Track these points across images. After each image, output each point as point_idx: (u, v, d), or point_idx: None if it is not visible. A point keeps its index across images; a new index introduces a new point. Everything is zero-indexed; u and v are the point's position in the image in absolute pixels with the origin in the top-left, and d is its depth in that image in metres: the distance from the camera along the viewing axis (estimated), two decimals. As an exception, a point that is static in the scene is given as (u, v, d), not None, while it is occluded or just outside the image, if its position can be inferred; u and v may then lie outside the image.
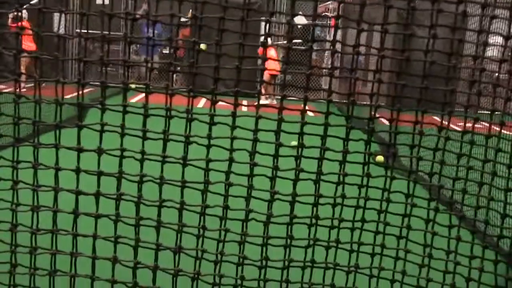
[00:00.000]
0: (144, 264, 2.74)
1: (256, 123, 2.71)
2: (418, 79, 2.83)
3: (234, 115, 2.70)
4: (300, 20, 13.36)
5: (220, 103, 2.72)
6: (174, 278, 2.76)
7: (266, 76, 12.87)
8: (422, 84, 2.80)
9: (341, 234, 2.89)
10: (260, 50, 2.83)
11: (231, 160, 2.74)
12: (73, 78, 2.83)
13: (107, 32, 2.65)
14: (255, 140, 2.72)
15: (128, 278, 2.75)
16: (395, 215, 2.87)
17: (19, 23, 2.74)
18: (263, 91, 13.12)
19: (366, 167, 2.84)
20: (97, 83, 2.70)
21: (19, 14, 2.77)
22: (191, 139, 2.70)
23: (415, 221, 2.87)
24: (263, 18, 2.89)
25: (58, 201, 2.75)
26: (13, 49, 2.64)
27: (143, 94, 2.71)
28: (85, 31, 2.67)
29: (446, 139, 2.85)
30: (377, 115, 2.83)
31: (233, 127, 2.71)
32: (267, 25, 2.72)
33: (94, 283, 2.78)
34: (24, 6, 2.68)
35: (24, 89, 2.93)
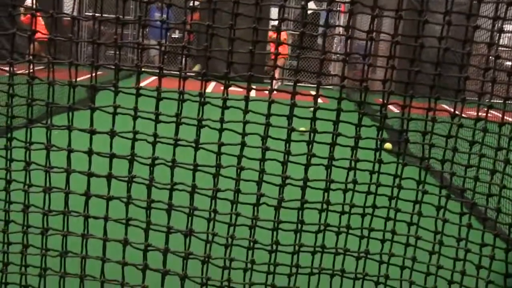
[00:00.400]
0: (155, 246, 2.75)
1: (269, 108, 2.70)
2: (431, 65, 2.83)
3: (247, 99, 2.70)
4: (310, 5, 13.32)
5: (231, 88, 2.73)
6: (185, 261, 2.77)
7: (280, 60, 12.84)
8: (435, 71, 2.80)
9: (352, 220, 2.89)
10: (271, 34, 2.82)
11: (243, 144, 2.74)
12: (83, 62, 2.85)
13: (121, 16, 2.66)
14: (267, 125, 2.72)
15: (138, 260, 2.76)
16: (406, 202, 2.87)
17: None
18: (276, 75, 13.10)
19: (377, 153, 2.84)
20: (110, 65, 2.70)
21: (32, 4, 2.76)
22: (204, 122, 2.70)
23: (426, 208, 2.87)
24: (275, 3, 2.88)
25: (70, 183, 2.76)
26: (26, 31, 2.65)
27: (153, 78, 2.71)
28: (98, 14, 2.67)
29: (458, 126, 2.84)
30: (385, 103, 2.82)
31: (246, 112, 2.71)
32: (281, 10, 2.71)
33: (105, 264, 2.79)
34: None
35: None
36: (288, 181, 2.78)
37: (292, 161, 2.76)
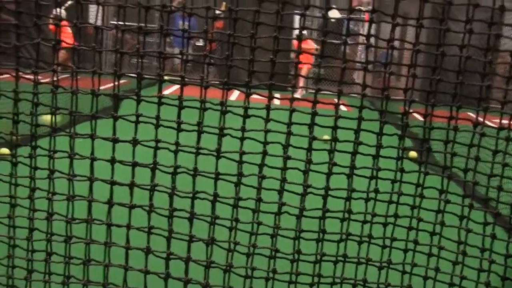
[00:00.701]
0: (177, 255, 2.76)
1: (290, 116, 2.71)
2: (453, 74, 2.82)
3: (268, 108, 2.71)
4: (333, 14, 13.31)
5: (253, 96, 2.74)
6: (207, 270, 2.78)
7: (304, 69, 12.83)
8: (457, 79, 2.78)
9: (374, 229, 2.87)
10: (295, 43, 2.82)
11: (264, 153, 2.74)
12: (107, 70, 2.88)
13: (143, 24, 2.68)
14: (289, 133, 2.72)
15: (161, 269, 2.77)
16: (429, 211, 2.85)
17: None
18: (301, 84, 13.09)
19: (399, 162, 2.83)
20: (132, 74, 2.72)
21: (58, 13, 2.81)
22: (225, 131, 2.71)
23: (449, 218, 2.85)
24: (297, 11, 2.89)
25: (93, 191, 2.78)
26: (51, 40, 2.69)
27: (176, 86, 2.73)
28: (121, 23, 2.71)
29: (481, 135, 2.81)
30: (410, 110, 2.81)
31: (267, 120, 2.71)
32: (302, 18, 2.72)
33: (127, 273, 2.80)
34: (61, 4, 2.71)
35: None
36: (309, 190, 2.77)
37: (314, 170, 2.75)
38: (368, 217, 2.85)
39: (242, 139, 2.72)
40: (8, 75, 2.78)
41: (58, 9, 2.85)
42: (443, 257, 2.89)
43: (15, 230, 2.86)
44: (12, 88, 2.74)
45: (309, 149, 2.75)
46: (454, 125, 2.80)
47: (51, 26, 2.79)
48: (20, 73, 2.76)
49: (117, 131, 2.72)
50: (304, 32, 2.79)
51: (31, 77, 2.76)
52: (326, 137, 2.74)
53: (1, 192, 2.79)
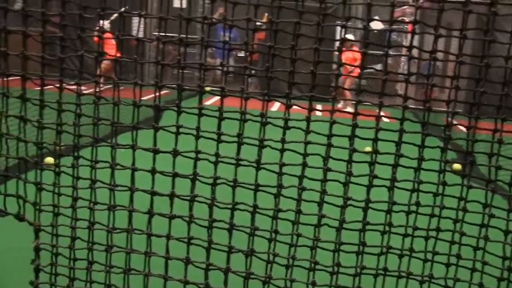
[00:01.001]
0: (216, 265, 2.77)
1: (330, 128, 2.69)
2: (498, 86, 2.76)
3: (308, 119, 2.69)
4: (376, 25, 13.19)
5: (294, 107, 2.73)
6: (246, 281, 2.77)
7: (348, 81, 12.73)
8: (502, 91, 2.73)
9: (415, 243, 2.83)
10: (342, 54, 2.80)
11: (304, 165, 2.73)
12: (150, 81, 2.91)
13: (184, 36, 2.70)
14: (329, 145, 2.70)
15: (200, 279, 2.78)
16: (472, 225, 2.79)
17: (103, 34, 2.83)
18: (348, 95, 12.97)
19: (441, 175, 2.78)
20: (173, 85, 2.74)
21: (103, 25, 2.85)
22: (265, 143, 2.71)
23: (493, 232, 2.78)
24: (339, 22, 2.87)
25: (133, 201, 2.81)
26: (94, 52, 2.73)
27: (218, 97, 2.74)
28: (163, 34, 2.73)
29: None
30: (454, 122, 2.76)
31: (307, 132, 2.70)
32: (343, 30, 2.70)
33: (167, 283, 2.82)
34: (105, 16, 2.75)
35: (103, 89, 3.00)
36: (349, 202, 2.75)
37: (354, 182, 2.73)
38: (409, 231, 2.81)
39: (282, 150, 2.71)
40: (51, 86, 2.83)
41: (103, 22, 2.90)
42: (487, 272, 2.83)
43: (57, 238, 2.90)
44: (56, 99, 2.79)
45: (350, 161, 2.73)
46: (498, 137, 2.74)
47: (96, 38, 2.83)
48: (64, 84, 2.81)
49: (158, 142, 2.74)
50: (351, 37, 2.76)
51: (73, 87, 2.81)
52: (368, 149, 2.72)
53: (45, 201, 2.83)
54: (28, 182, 2.82)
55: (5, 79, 2.78)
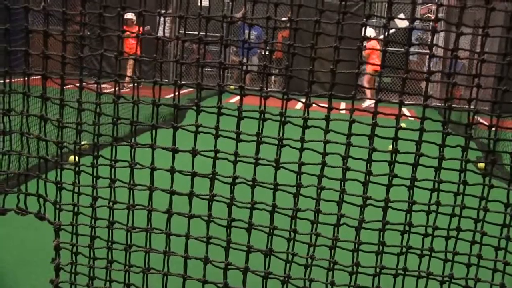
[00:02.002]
0: (235, 265, 2.76)
1: (350, 127, 2.67)
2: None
3: (327, 118, 2.68)
4: (400, 23, 13.06)
5: (314, 105, 2.72)
6: (264, 280, 2.77)
7: (366, 78, 12.62)
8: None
9: (435, 243, 2.81)
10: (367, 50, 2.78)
11: (323, 164, 2.72)
12: (174, 78, 2.92)
13: (203, 34, 2.70)
14: (348, 145, 2.68)
15: (219, 279, 2.78)
16: (493, 225, 2.76)
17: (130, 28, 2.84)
18: (369, 95, 12.88)
19: (462, 175, 2.75)
20: (191, 84, 2.74)
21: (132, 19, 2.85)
22: (284, 142, 2.70)
23: (515, 232, 2.75)
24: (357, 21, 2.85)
25: (152, 200, 2.81)
26: (114, 51, 2.73)
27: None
28: (183, 32, 2.73)
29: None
30: (480, 121, 2.73)
31: (327, 131, 2.69)
32: (364, 28, 2.68)
33: (186, 282, 2.82)
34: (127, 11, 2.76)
35: (128, 89, 3.02)
36: (369, 201, 2.73)
37: (374, 181, 2.71)
38: (430, 230, 2.79)
39: (301, 149, 2.70)
40: (71, 86, 2.84)
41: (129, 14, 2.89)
42: (508, 273, 2.80)
43: (77, 237, 2.91)
44: (76, 98, 2.80)
45: (369, 161, 2.71)
46: (520, 136, 2.71)
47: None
48: (84, 83, 2.82)
49: (180, 141, 2.74)
50: (372, 33, 2.74)
51: (93, 87, 2.82)
52: (391, 147, 2.70)
53: (65, 200, 2.85)
54: (48, 181, 2.84)
55: (25, 78, 2.81)
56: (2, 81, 2.85)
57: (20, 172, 2.94)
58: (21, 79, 2.82)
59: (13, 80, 2.85)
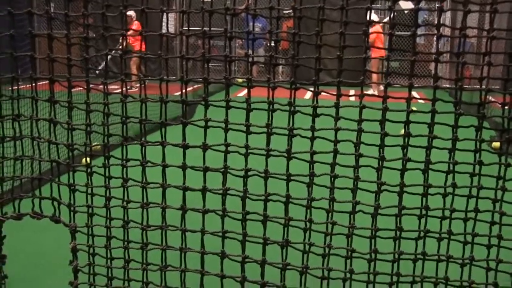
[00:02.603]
0: (252, 258, 2.75)
1: (360, 113, 2.64)
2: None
3: (337, 106, 2.65)
4: (406, 5, 12.88)
5: (323, 94, 2.69)
6: (283, 272, 2.75)
7: (375, 63, 12.44)
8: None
9: (454, 225, 2.77)
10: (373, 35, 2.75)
11: (335, 152, 2.69)
12: (180, 74, 2.90)
13: (207, 29, 2.68)
14: (360, 131, 2.65)
15: (236, 273, 2.76)
16: (512, 205, 2.72)
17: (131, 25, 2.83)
18: (375, 79, 12.71)
19: (478, 155, 2.71)
20: (199, 79, 2.72)
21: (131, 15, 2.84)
22: (295, 131, 2.67)
23: (535, 210, 2.71)
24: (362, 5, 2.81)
25: (166, 198, 2.80)
26: (119, 50, 2.72)
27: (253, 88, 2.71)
28: (187, 28, 2.72)
29: None
30: (492, 100, 2.68)
31: (337, 118, 2.66)
32: (369, 12, 2.64)
33: (204, 277, 2.81)
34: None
35: (135, 89, 3.00)
36: (384, 187, 2.70)
37: (387, 166, 2.68)
38: (447, 213, 2.75)
39: (312, 138, 2.67)
40: (80, 88, 2.83)
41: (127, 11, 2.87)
42: (529, 252, 2.76)
43: (93, 238, 2.91)
44: (84, 99, 2.80)
45: (382, 146, 2.68)
46: (535, 113, 2.66)
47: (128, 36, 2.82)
48: (92, 84, 2.81)
49: (190, 137, 2.72)
50: (375, 18, 2.70)
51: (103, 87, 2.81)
52: (403, 131, 2.66)
53: (79, 202, 2.85)
54: (61, 184, 2.84)
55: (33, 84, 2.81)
56: (9, 88, 2.87)
57: (34, 177, 2.95)
58: (28, 85, 2.82)
59: (21, 86, 2.86)
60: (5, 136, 2.88)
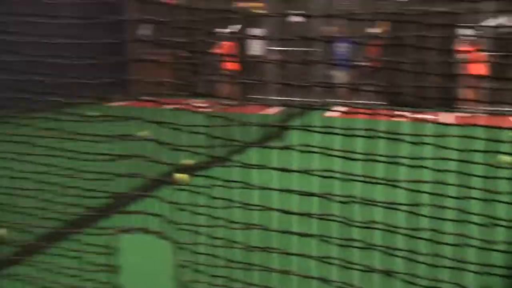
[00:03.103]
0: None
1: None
2: None
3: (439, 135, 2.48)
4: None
5: (425, 117, 2.53)
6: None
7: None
8: None
9: None
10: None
11: (440, 182, 2.53)
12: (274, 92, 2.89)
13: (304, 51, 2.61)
14: (465, 161, 2.46)
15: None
16: None
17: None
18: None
19: None
20: (295, 105, 2.66)
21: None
22: (395, 159, 2.55)
23: None
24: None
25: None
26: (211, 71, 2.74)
27: (344, 109, 2.62)
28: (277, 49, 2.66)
29: None
30: None
31: (440, 147, 2.49)
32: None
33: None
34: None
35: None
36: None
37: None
38: None
39: (414, 166, 2.53)
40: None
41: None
42: None
43: (197, 256, 2.99)
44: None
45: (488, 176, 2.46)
46: None
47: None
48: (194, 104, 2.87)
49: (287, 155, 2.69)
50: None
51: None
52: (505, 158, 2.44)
53: (180, 218, 2.93)
54: (165, 201, 2.94)
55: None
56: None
57: (139, 193, 3.09)
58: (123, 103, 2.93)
59: (115, 104, 2.99)
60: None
